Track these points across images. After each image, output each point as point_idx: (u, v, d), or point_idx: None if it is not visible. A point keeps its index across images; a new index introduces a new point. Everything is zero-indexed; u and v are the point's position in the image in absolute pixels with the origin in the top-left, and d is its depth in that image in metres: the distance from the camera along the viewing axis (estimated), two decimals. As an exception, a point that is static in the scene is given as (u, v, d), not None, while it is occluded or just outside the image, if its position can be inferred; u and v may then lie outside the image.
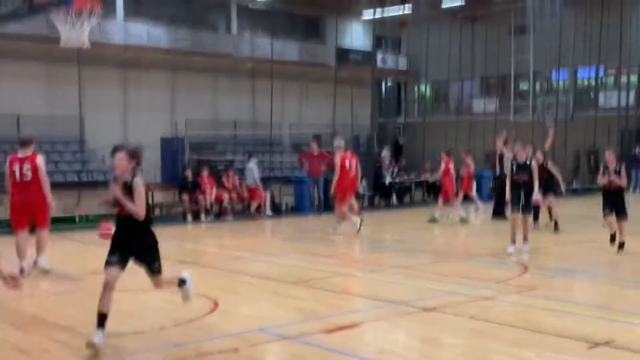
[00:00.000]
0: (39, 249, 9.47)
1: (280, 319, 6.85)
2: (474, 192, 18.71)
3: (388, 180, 20.91)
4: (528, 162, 11.11)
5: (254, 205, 17.60)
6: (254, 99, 30.46)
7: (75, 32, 13.51)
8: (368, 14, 32.15)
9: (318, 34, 36.15)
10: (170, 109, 28.28)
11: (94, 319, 5.53)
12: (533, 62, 31.44)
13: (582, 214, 19.41)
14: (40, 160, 9.62)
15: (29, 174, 9.39)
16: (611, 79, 34.23)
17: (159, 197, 17.88)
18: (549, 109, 30.57)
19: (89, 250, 12.78)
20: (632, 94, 31.50)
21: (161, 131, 24.66)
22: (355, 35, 35.03)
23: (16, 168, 9.38)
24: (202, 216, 16.67)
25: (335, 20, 31.58)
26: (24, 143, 9.68)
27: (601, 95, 33.09)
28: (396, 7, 32.16)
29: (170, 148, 22.25)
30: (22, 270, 8.72)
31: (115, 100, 26.70)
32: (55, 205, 9.72)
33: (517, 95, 33.80)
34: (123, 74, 27.11)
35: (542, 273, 9.37)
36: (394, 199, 21.30)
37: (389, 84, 38.10)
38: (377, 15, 27.50)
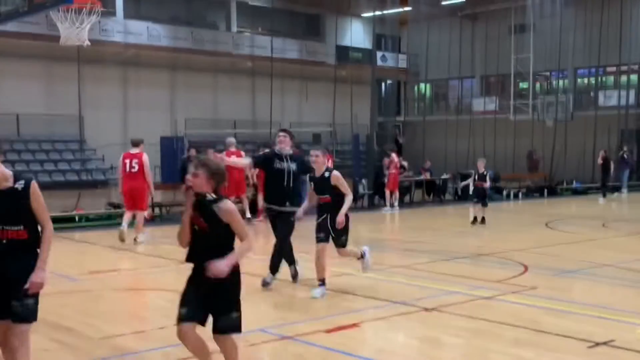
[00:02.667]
0: (137, 227, 12.45)
1: (280, 319, 6.84)
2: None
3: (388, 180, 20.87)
4: (327, 175, 7.99)
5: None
6: (254, 97, 30.44)
7: (75, 30, 13.48)
8: (368, 12, 32.13)
9: (318, 32, 36.11)
10: (170, 107, 28.26)
11: (94, 319, 5.53)
12: (533, 61, 31.43)
13: (582, 213, 19.41)
14: (145, 157, 12.50)
15: (136, 167, 12.30)
16: (611, 78, 34.24)
17: (158, 196, 17.86)
18: (549, 108, 30.57)
19: (89, 250, 12.77)
20: (632, 94, 31.49)
21: (161, 130, 24.65)
22: (355, 33, 34.97)
23: (127, 162, 12.38)
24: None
25: (335, 19, 31.55)
26: (134, 144, 12.67)
27: (601, 95, 33.09)
28: (396, 5, 32.12)
29: (170, 147, 22.26)
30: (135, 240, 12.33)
31: (115, 99, 26.67)
32: (153, 192, 12.99)
33: (517, 94, 33.79)
34: (123, 72, 27.08)
35: (542, 273, 9.36)
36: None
37: (389, 82, 38.08)
38: (377, 14, 27.48)
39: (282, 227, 8.59)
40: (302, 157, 8.84)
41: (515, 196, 24.11)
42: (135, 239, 12.54)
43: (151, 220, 15.63)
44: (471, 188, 15.92)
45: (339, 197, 7.94)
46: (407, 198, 21.98)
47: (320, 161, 8.02)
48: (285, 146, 8.52)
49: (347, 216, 8.03)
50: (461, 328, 6.50)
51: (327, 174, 7.97)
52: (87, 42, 13.99)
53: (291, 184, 8.47)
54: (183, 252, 4.79)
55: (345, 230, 8.11)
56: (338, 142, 29.90)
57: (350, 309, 7.46)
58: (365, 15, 34.61)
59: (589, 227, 15.06)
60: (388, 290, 8.39)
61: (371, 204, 20.90)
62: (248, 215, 16.00)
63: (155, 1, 30.25)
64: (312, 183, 8.13)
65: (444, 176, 23.20)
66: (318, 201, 8.11)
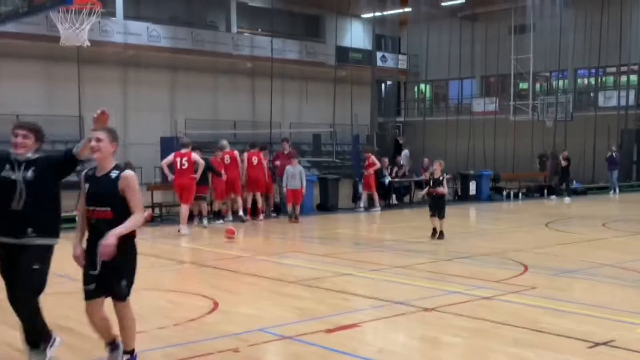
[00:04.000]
0: (182, 219, 14.09)
1: (280, 319, 6.84)
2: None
3: (387, 180, 20.88)
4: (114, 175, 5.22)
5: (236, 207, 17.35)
6: (254, 98, 30.45)
7: (74, 31, 13.47)
8: (368, 13, 32.14)
9: (318, 33, 36.15)
10: (170, 108, 28.27)
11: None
12: (533, 61, 31.44)
13: (582, 213, 19.40)
14: (194, 155, 14.26)
15: (186, 165, 14.12)
16: (611, 79, 34.26)
17: (158, 196, 17.84)
18: (549, 109, 30.57)
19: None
20: (631, 94, 31.51)
21: (161, 130, 24.67)
22: (355, 34, 35.02)
23: (178, 160, 14.18)
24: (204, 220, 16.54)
25: (335, 19, 31.56)
26: (184, 145, 14.56)
27: (601, 95, 33.10)
28: (396, 6, 32.14)
29: (170, 147, 22.23)
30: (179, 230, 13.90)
31: (115, 100, 26.68)
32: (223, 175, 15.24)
33: (517, 95, 33.80)
34: (123, 73, 27.11)
35: (542, 273, 9.36)
36: (394, 198, 21.27)
37: (389, 83, 38.10)
38: (377, 14, 27.50)
39: (26, 274, 5.08)
40: (51, 155, 5.78)
41: (516, 196, 24.10)
42: (178, 230, 13.97)
43: (151, 221, 15.63)
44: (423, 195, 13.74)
45: (125, 214, 4.96)
46: (407, 198, 21.95)
47: (105, 149, 5.09)
48: (22, 149, 5.33)
49: (130, 244, 5.03)
50: (461, 328, 6.50)
51: (114, 174, 5.07)
52: (87, 43, 13.97)
53: (32, 200, 5.15)
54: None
55: (125, 269, 5.03)
56: (338, 142, 29.91)
57: (350, 309, 7.45)
58: (365, 16, 34.65)
59: (589, 227, 15.05)
60: (388, 290, 8.39)
61: (371, 204, 20.86)
62: (241, 214, 15.98)
63: (155, 2, 30.27)
64: (87, 185, 5.22)
65: (444, 176, 23.16)
66: (92, 218, 5.05)
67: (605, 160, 27.04)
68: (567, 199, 23.60)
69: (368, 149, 20.65)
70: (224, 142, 16.65)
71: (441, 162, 13.24)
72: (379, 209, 19.35)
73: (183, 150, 14.40)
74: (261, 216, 16.56)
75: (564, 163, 24.76)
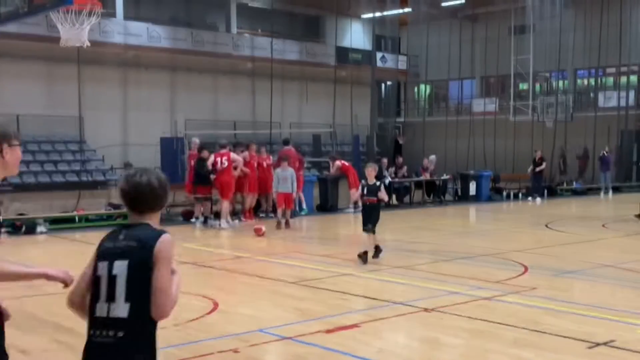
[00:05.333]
0: (223, 214, 15.27)
1: (280, 319, 6.84)
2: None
3: (387, 180, 20.89)
4: None
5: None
6: (254, 98, 30.43)
7: (75, 31, 13.47)
8: (368, 13, 32.14)
9: (318, 34, 36.13)
10: (170, 108, 28.25)
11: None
12: (533, 62, 31.44)
13: (582, 214, 19.41)
14: (233, 155, 15.56)
15: (225, 164, 15.29)
16: (611, 79, 34.25)
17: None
18: (549, 109, 30.57)
19: (89, 250, 12.76)
20: (631, 94, 31.51)
21: (161, 131, 24.64)
22: (355, 34, 35.00)
23: (218, 160, 15.31)
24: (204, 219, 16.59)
25: (335, 20, 31.55)
26: (222, 146, 15.70)
27: (601, 96, 33.10)
28: (396, 6, 32.13)
29: (170, 148, 22.27)
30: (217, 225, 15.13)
31: (115, 100, 26.67)
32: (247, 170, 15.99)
33: (517, 95, 33.80)
34: (123, 73, 27.08)
35: (542, 273, 9.36)
36: (394, 198, 21.28)
37: (389, 83, 38.09)
38: (377, 15, 27.49)
39: None
40: None
41: (515, 196, 24.10)
42: (219, 225, 15.03)
43: None
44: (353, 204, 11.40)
45: None
46: (406, 198, 21.97)
47: None
48: None
49: None
50: (461, 328, 6.50)
51: None
52: (87, 43, 13.97)
53: None
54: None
55: None
56: (338, 143, 29.90)
57: (350, 309, 7.46)
58: (365, 16, 34.63)
59: (589, 228, 15.05)
60: (388, 290, 8.39)
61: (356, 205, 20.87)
62: (227, 219, 15.54)
63: (155, 2, 30.26)
64: None
65: (444, 177, 23.20)
66: None
67: (599, 160, 27.03)
68: (538, 200, 23.44)
69: (332, 156, 20.31)
70: (222, 142, 16.78)
71: (375, 166, 11.04)
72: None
73: (222, 151, 15.57)
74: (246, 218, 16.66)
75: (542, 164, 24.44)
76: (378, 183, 10.60)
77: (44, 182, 22.98)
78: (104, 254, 3.05)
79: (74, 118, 22.20)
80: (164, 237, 3.01)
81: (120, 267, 2.95)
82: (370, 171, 10.70)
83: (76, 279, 3.15)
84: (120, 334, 2.93)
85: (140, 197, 3.03)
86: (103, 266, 3.01)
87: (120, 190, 3.07)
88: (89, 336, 3.07)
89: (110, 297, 2.95)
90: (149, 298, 2.93)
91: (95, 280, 3.02)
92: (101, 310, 2.97)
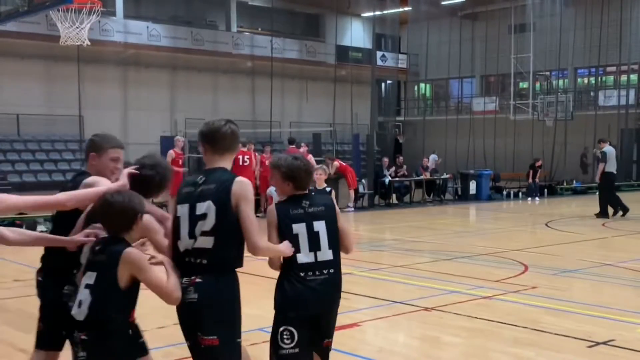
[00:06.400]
0: None
1: (280, 319, 6.83)
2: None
3: (387, 179, 20.90)
4: None
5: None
6: (254, 97, 30.43)
7: (75, 30, 13.48)
8: (368, 12, 32.12)
9: (318, 32, 36.11)
10: (170, 107, 28.25)
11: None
12: (533, 60, 31.42)
13: (582, 213, 19.40)
14: (253, 153, 16.59)
15: (247, 161, 16.15)
16: (611, 78, 34.23)
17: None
18: (549, 108, 30.56)
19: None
20: (632, 93, 31.49)
21: (161, 130, 24.66)
22: (355, 33, 34.98)
23: (240, 157, 15.76)
24: None
25: (335, 18, 31.55)
26: (243, 144, 15.77)
27: (601, 94, 33.08)
28: (396, 5, 32.12)
29: (170, 147, 22.18)
30: None
31: (115, 99, 26.67)
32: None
33: (517, 94, 33.78)
34: (123, 72, 27.08)
35: (542, 273, 9.36)
36: (394, 198, 21.30)
37: (389, 82, 38.08)
38: (377, 13, 27.47)
39: None
40: None
41: (516, 195, 24.10)
42: None
43: None
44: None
45: None
46: (407, 198, 21.97)
47: None
48: None
49: None
50: (461, 328, 6.50)
51: None
52: (87, 42, 13.99)
53: None
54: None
55: None
56: (338, 141, 29.91)
57: (350, 309, 7.45)
58: (365, 15, 34.62)
59: (589, 227, 15.05)
60: (388, 290, 8.39)
61: (371, 203, 20.89)
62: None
63: (155, 1, 30.25)
64: None
65: (444, 176, 23.20)
66: None
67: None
68: (537, 200, 23.47)
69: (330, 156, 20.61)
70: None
71: (325, 169, 8.36)
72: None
73: (243, 149, 16.09)
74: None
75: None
76: (329, 189, 8.16)
77: (44, 181, 22.98)
78: (185, 197, 3.53)
79: (74, 117, 22.22)
80: (239, 178, 3.59)
81: (207, 207, 3.48)
82: (319, 175, 7.97)
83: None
84: (204, 261, 3.68)
85: (220, 138, 3.74)
86: (183, 208, 3.51)
87: (199, 134, 3.71)
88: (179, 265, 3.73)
89: (192, 235, 3.56)
90: (231, 232, 3.62)
91: (175, 220, 3.55)
92: (186, 244, 3.60)
